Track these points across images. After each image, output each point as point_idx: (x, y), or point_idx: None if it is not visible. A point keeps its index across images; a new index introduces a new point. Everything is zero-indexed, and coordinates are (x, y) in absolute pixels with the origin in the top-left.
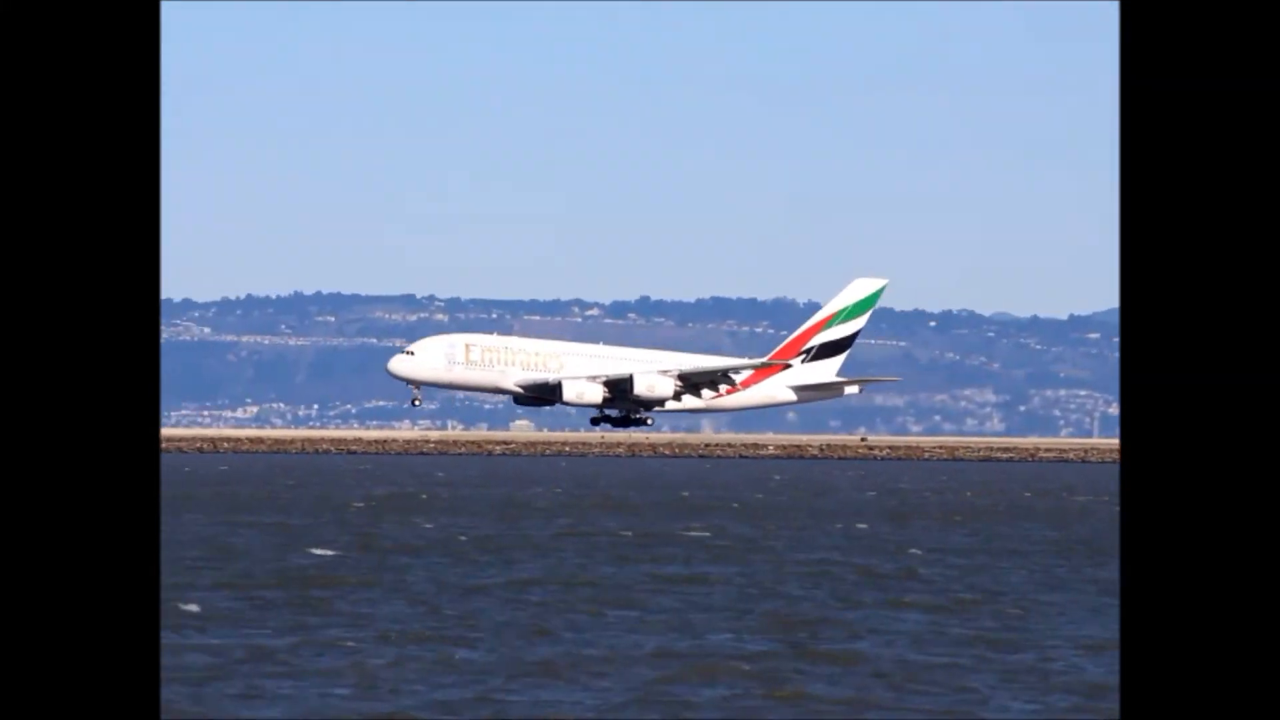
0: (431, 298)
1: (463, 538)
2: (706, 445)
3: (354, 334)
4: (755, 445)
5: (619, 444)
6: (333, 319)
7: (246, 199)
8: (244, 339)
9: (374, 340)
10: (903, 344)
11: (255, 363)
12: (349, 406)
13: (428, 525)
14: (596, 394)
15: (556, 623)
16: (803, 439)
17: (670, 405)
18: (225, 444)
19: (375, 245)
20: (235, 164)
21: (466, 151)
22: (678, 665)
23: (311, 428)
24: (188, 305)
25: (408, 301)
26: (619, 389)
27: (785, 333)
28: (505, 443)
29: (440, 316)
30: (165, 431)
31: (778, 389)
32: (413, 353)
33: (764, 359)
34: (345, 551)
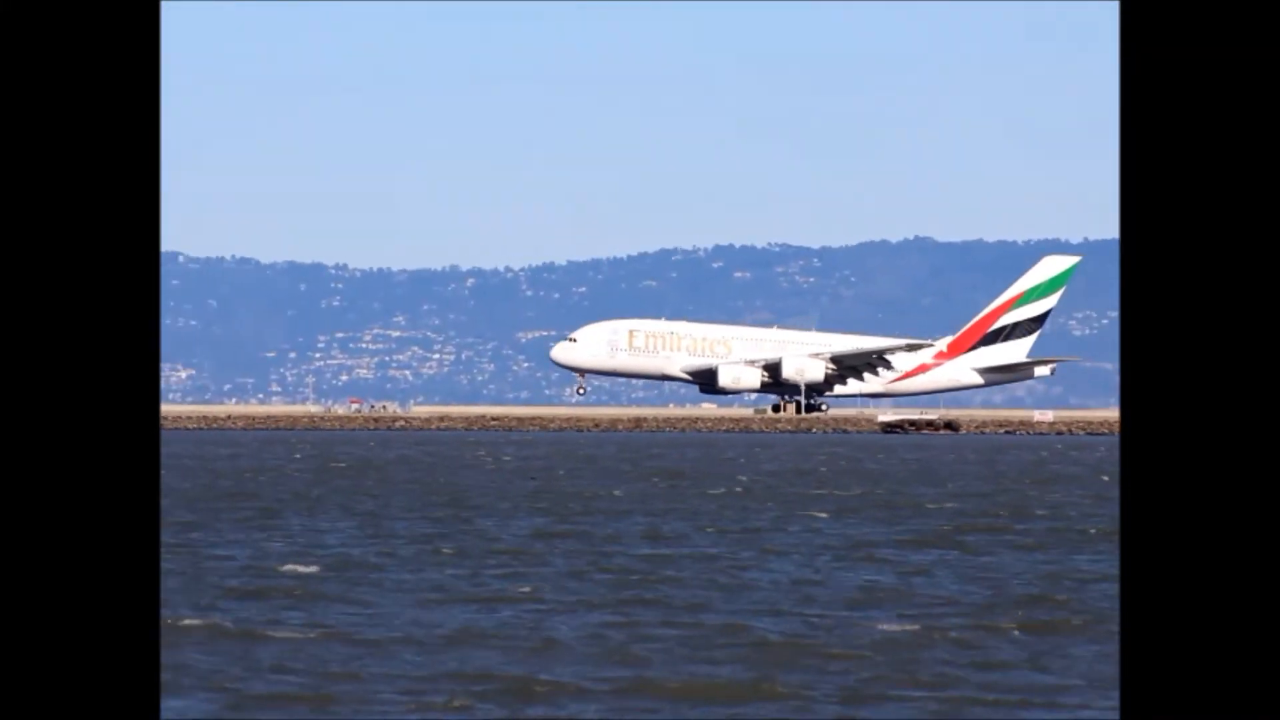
0: None
1: None
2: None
3: None
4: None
5: None
6: None
7: None
8: None
9: None
10: None
11: None
12: None
13: None
14: (754, 379)
15: None
16: None
17: (839, 390)
18: None
19: None
20: None
21: None
22: None
23: None
24: None
25: None
26: (775, 373)
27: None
28: None
29: None
30: None
31: (963, 372)
32: (575, 340)
33: (917, 340)
34: None
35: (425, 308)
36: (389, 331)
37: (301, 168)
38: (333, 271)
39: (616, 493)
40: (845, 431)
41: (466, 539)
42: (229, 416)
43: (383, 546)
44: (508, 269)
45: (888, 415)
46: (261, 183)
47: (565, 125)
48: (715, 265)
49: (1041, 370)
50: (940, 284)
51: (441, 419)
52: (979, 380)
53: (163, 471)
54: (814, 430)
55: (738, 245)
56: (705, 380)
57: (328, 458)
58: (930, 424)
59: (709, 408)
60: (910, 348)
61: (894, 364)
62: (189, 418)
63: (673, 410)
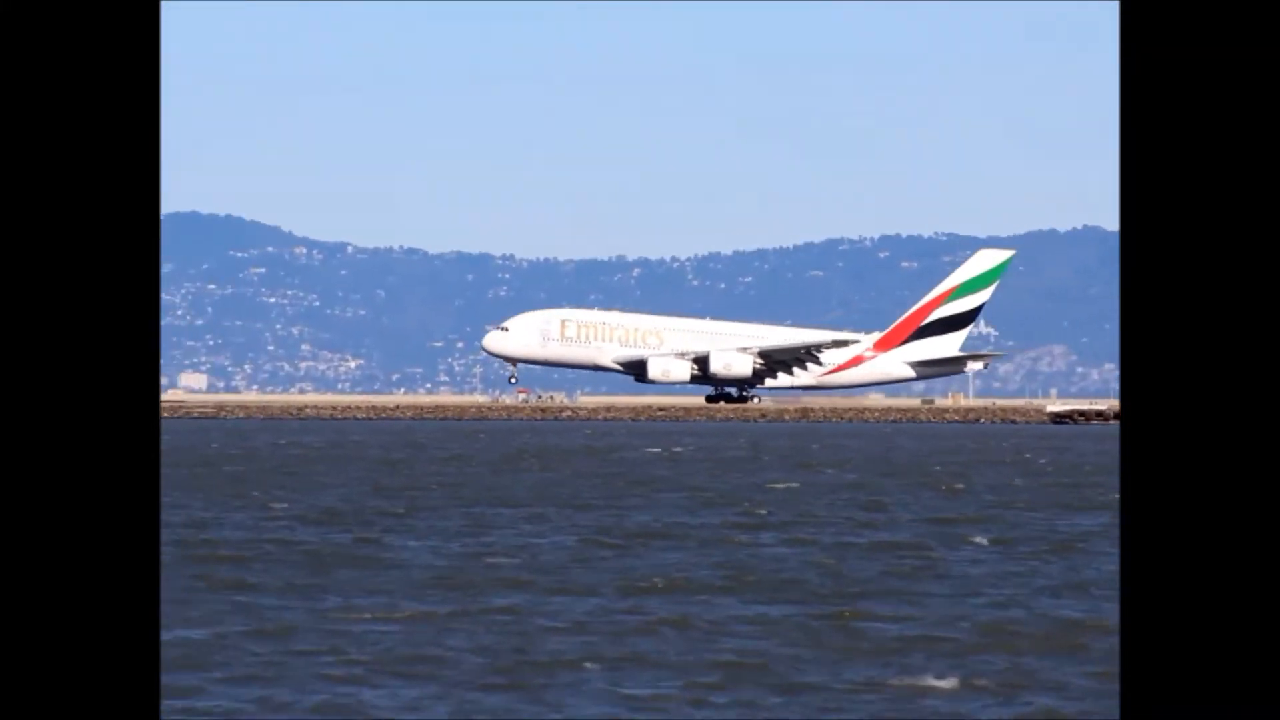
0: None
1: None
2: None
3: None
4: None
5: None
6: None
7: None
8: None
9: None
10: None
11: None
12: None
13: None
14: (684, 371)
15: None
16: None
17: (770, 383)
18: None
19: None
20: None
21: None
22: None
23: None
24: None
25: None
26: (704, 366)
27: None
28: None
29: None
30: None
31: (895, 365)
32: (507, 329)
33: (844, 335)
34: None
35: (592, 297)
36: None
37: (470, 158)
38: (500, 261)
39: (797, 485)
40: (1013, 422)
41: (670, 531)
42: (397, 406)
43: (578, 535)
44: (674, 259)
45: (1056, 405)
46: (430, 173)
47: (721, 115)
48: (882, 255)
49: (974, 365)
50: (1109, 273)
51: (608, 409)
52: (911, 374)
53: (351, 465)
54: (981, 420)
55: (904, 235)
56: (636, 372)
57: (505, 448)
58: (1100, 414)
59: (876, 398)
60: (837, 343)
61: (823, 359)
62: (358, 407)
63: (838, 401)
